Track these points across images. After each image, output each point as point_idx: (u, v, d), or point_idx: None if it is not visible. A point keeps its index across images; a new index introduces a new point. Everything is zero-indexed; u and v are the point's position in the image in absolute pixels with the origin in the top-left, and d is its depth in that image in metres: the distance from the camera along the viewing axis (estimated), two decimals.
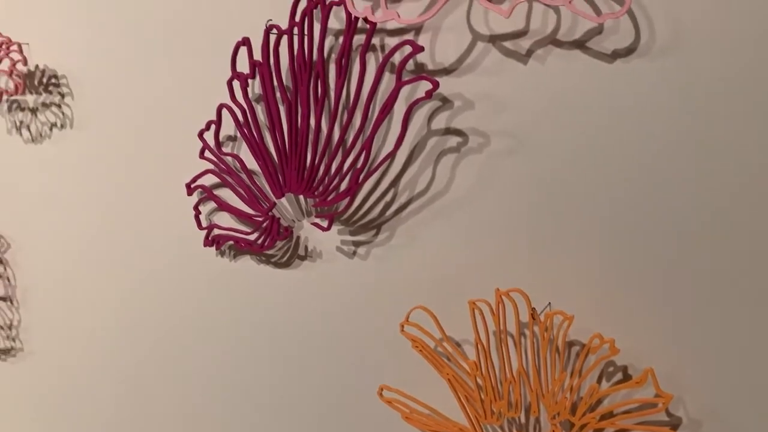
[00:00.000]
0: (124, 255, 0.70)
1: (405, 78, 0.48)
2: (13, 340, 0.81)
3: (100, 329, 0.73)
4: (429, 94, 0.46)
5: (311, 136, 0.54)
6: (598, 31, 0.45)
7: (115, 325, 0.72)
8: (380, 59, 0.51)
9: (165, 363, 0.69)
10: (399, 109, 0.50)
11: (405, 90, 0.50)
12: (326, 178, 0.54)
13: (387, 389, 0.52)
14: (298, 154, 0.54)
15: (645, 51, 0.44)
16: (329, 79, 0.53)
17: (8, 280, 0.80)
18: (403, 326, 0.51)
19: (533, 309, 0.46)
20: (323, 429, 0.61)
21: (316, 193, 0.54)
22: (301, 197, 0.58)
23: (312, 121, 0.53)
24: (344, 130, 0.52)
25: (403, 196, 0.53)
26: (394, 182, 0.53)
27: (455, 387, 0.49)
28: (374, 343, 0.56)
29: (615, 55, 0.45)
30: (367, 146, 0.50)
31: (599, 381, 0.48)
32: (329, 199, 0.53)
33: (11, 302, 0.80)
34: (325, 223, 0.54)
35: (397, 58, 0.49)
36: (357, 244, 0.56)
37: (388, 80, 0.51)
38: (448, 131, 0.50)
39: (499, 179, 0.50)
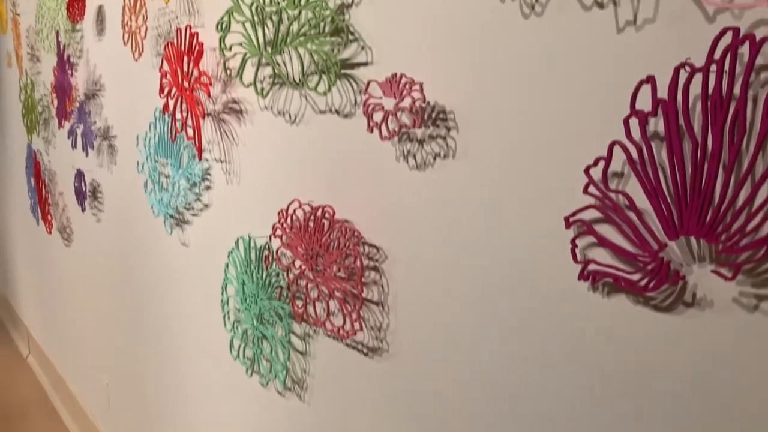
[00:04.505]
0: (490, 277, 0.74)
1: None
2: (381, 341, 0.92)
3: (462, 340, 0.79)
4: None
5: (721, 178, 0.51)
6: None
7: (474, 339, 0.77)
8: None
9: (522, 383, 0.72)
10: None
11: None
12: (736, 222, 0.50)
13: None
14: (701, 195, 0.52)
15: None
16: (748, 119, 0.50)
17: (382, 288, 0.91)
18: None
19: None
20: None
21: (721, 238, 0.51)
22: (694, 240, 0.55)
23: (724, 164, 0.50)
24: (766, 172, 0.48)
25: None
26: None
27: None
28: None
29: None
30: None
31: None
32: (741, 245, 0.49)
33: (382, 307, 0.91)
34: (729, 272, 0.51)
35: None
36: (761, 297, 0.51)
37: None
38: None
39: None
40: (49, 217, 2.55)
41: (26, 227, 3.10)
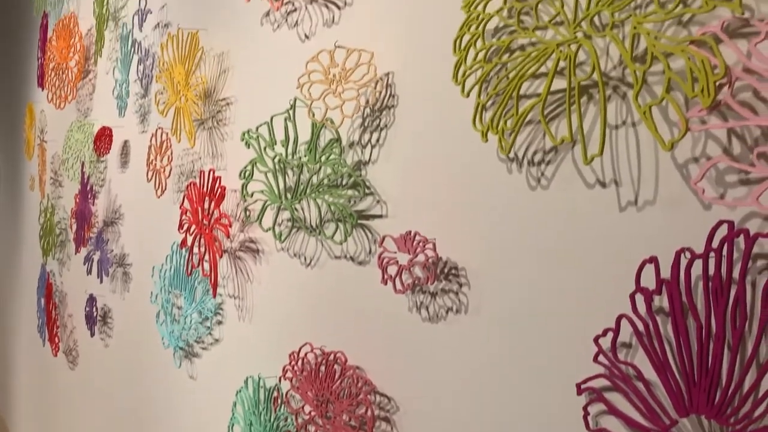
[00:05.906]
0: None
1: None
2: None
3: None
4: None
5: (727, 359, 0.53)
6: None
7: None
8: None
9: None
10: None
11: None
12: (744, 406, 0.51)
13: None
14: (709, 375, 0.53)
15: None
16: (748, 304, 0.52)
17: None
18: None
19: None
20: None
21: (731, 420, 0.52)
22: (705, 419, 0.56)
23: (729, 345, 0.53)
24: None
25: None
26: None
27: None
28: None
29: None
30: None
31: None
32: (750, 430, 0.50)
33: None
34: None
35: None
36: None
37: None
38: None
39: None
40: (56, 339, 2.55)
41: (32, 347, 3.08)
